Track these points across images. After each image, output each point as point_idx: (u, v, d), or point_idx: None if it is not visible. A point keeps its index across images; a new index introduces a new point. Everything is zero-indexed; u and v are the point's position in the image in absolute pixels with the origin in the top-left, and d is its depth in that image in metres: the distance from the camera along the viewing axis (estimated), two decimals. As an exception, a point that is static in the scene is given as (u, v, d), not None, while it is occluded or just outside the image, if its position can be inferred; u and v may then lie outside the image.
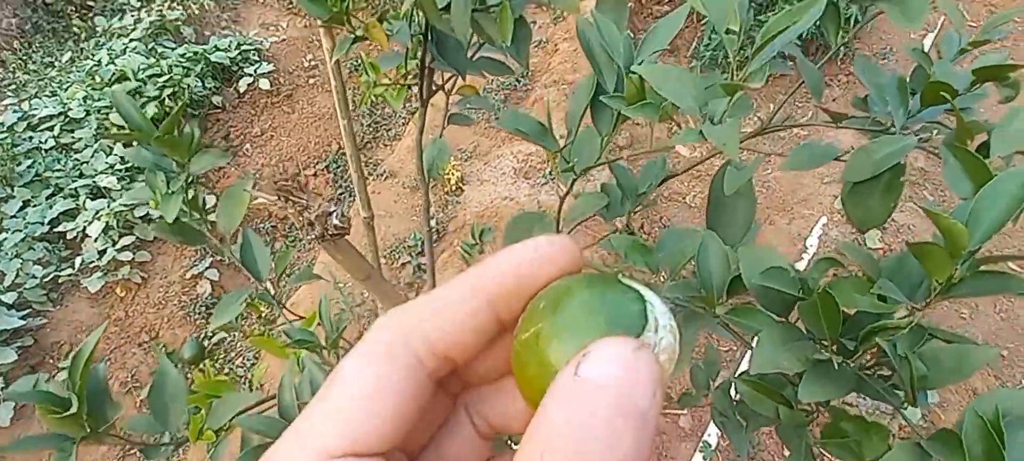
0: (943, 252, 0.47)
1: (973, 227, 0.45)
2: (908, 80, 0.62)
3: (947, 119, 0.65)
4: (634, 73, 0.46)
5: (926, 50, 0.69)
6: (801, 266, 2.30)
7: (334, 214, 0.86)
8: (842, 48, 3.11)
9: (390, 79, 1.12)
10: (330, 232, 0.87)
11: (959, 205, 0.49)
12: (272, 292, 0.93)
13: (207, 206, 2.90)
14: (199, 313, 2.55)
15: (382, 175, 3.04)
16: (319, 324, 0.86)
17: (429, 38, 1.00)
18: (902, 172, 0.58)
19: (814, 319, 0.50)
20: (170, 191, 0.85)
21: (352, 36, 0.90)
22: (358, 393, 0.18)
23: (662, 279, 0.65)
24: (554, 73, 3.24)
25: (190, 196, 0.86)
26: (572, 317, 0.18)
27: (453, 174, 2.85)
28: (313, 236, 0.88)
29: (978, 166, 0.52)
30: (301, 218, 0.89)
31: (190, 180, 0.88)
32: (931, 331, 0.51)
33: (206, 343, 2.41)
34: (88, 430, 0.54)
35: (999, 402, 0.44)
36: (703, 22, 3.28)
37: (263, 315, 0.79)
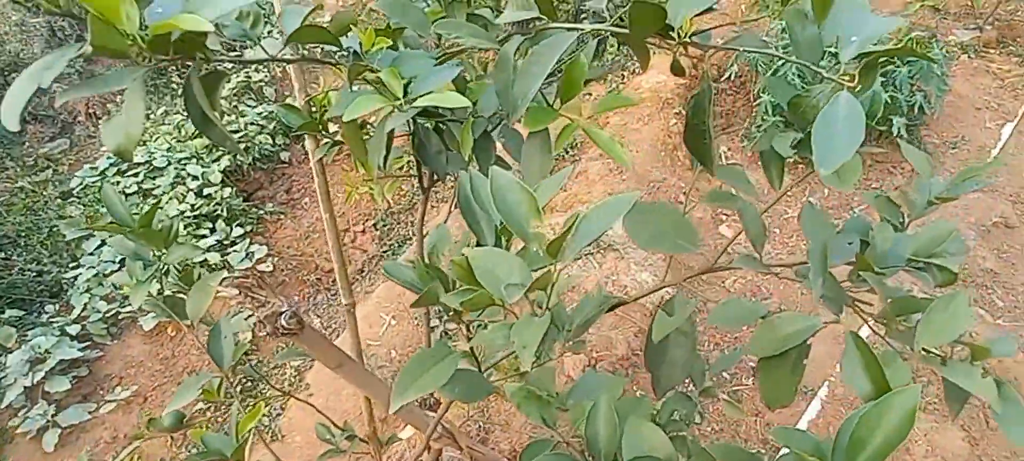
0: None
1: (853, 454, 0.40)
2: (826, 248, 0.57)
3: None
4: (462, 256, 0.44)
5: (1004, 139, 0.63)
6: (802, 425, 2.11)
7: (284, 314, 0.88)
8: (906, 135, 2.92)
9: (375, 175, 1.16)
10: (280, 331, 0.89)
11: (845, 421, 0.44)
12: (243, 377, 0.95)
13: (256, 256, 3.07)
14: (248, 375, 2.66)
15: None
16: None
17: (413, 139, 1.03)
18: (806, 352, 0.53)
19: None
20: (142, 280, 0.90)
21: (330, 142, 0.94)
22: None
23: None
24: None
25: (162, 284, 0.91)
26: None
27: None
28: (266, 332, 0.91)
29: (875, 370, 0.47)
30: (258, 314, 0.92)
31: (165, 270, 0.93)
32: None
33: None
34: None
35: None
36: (757, 102, 3.19)
37: (219, 401, 0.82)
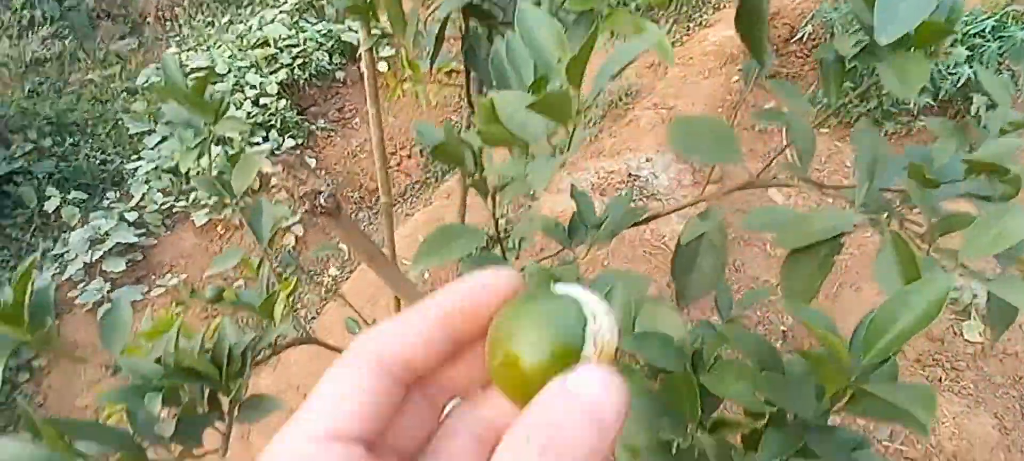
0: (831, 365, 0.41)
1: (871, 339, 0.39)
2: (876, 158, 0.54)
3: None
4: (488, 98, 0.44)
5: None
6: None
7: (323, 194, 0.90)
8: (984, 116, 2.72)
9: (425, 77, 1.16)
10: (318, 209, 0.92)
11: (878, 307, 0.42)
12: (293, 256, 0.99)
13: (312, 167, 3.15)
14: (280, 261, 2.77)
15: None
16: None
17: (463, 43, 1.02)
18: (838, 249, 0.51)
19: (671, 396, 0.46)
20: (190, 147, 0.94)
21: (379, 32, 0.94)
22: (336, 391, 0.23)
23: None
24: (657, 96, 3.14)
25: (208, 154, 0.94)
26: (529, 337, 0.22)
27: (534, 180, 2.87)
28: (303, 210, 0.94)
29: (911, 266, 0.45)
30: (297, 192, 0.94)
31: (213, 139, 0.96)
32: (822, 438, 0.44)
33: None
34: (29, 337, 0.62)
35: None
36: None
37: (257, 273, 0.86)
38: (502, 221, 2.74)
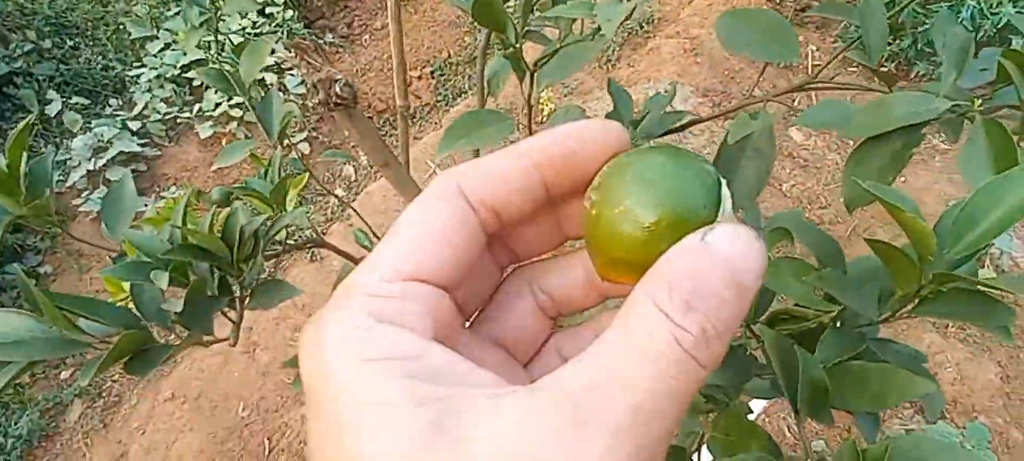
0: (907, 259, 0.36)
1: (960, 230, 0.34)
2: (967, 44, 0.48)
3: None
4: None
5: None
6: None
7: (339, 82, 0.84)
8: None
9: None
10: (334, 100, 0.86)
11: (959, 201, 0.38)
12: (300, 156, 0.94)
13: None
14: (289, 172, 2.72)
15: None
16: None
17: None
18: (918, 141, 0.45)
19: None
20: (195, 25, 0.87)
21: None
22: (420, 231, 0.21)
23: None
24: (680, 24, 3.01)
25: (215, 36, 0.88)
26: (657, 192, 0.19)
27: (547, 105, 2.78)
28: (317, 100, 0.88)
29: (1008, 151, 0.40)
30: (311, 80, 0.88)
31: (219, 16, 0.90)
32: (874, 342, 0.40)
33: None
34: (25, 209, 0.58)
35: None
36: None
37: (265, 168, 0.81)
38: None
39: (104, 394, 2.28)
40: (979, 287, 0.32)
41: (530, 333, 0.25)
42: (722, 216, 0.20)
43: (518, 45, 0.48)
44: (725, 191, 0.20)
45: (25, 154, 0.60)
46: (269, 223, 0.60)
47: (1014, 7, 2.49)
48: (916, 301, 0.39)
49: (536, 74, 0.56)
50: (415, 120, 3.14)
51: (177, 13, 3.19)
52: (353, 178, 2.89)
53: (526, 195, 0.22)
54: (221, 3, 0.85)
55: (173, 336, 0.57)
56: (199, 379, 2.22)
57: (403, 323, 0.19)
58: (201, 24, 0.87)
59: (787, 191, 2.47)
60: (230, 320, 0.61)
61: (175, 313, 0.52)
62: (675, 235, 0.19)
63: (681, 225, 0.19)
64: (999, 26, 2.53)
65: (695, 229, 0.19)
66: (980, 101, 0.44)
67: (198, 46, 2.51)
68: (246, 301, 0.57)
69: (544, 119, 2.77)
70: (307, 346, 0.20)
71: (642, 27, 3.15)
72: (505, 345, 0.25)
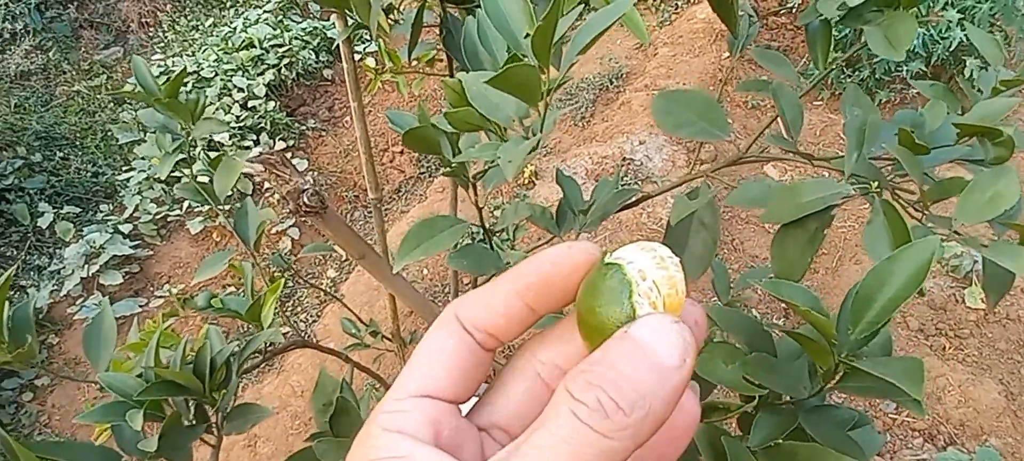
0: (818, 345, 0.40)
1: (859, 312, 0.37)
2: (866, 124, 0.52)
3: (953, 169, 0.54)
4: (456, 80, 0.42)
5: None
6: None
7: (306, 192, 0.89)
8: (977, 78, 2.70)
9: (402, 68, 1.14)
10: (303, 208, 0.90)
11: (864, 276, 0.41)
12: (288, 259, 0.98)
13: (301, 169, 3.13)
14: (272, 263, 2.75)
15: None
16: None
17: (441, 30, 0.99)
18: (829, 222, 0.49)
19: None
20: (168, 151, 0.92)
21: (355, 22, 0.92)
22: (428, 356, 0.25)
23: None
24: (647, 76, 3.12)
25: (189, 157, 0.93)
26: (593, 310, 0.23)
27: (528, 167, 2.84)
28: (288, 210, 0.92)
29: (902, 233, 0.43)
30: (281, 191, 0.92)
31: (191, 143, 0.94)
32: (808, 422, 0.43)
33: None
34: (9, 355, 0.60)
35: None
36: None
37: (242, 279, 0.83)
38: (496, 212, 2.71)
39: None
40: (877, 377, 0.35)
41: (531, 409, 0.28)
42: (641, 311, 0.23)
43: (454, 164, 0.51)
44: (638, 292, 0.23)
45: (7, 303, 0.63)
46: (243, 344, 0.63)
47: (961, 30, 2.60)
48: (839, 375, 0.42)
49: (480, 181, 0.60)
50: (400, 194, 3.20)
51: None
52: (344, 258, 2.92)
53: (511, 319, 0.26)
54: (191, 128, 0.90)
55: (153, 468, 0.59)
56: (200, 479, 2.19)
57: (402, 430, 0.23)
58: (174, 149, 0.91)
59: (749, 250, 2.50)
60: (209, 445, 0.62)
61: (152, 451, 0.54)
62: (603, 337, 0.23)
63: (603, 329, 0.23)
64: (950, 49, 2.63)
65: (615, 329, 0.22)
66: (876, 183, 0.47)
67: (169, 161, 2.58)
68: (222, 426, 0.59)
69: (526, 181, 2.83)
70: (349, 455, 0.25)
71: (612, 82, 3.26)
72: (514, 421, 0.28)
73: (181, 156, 0.95)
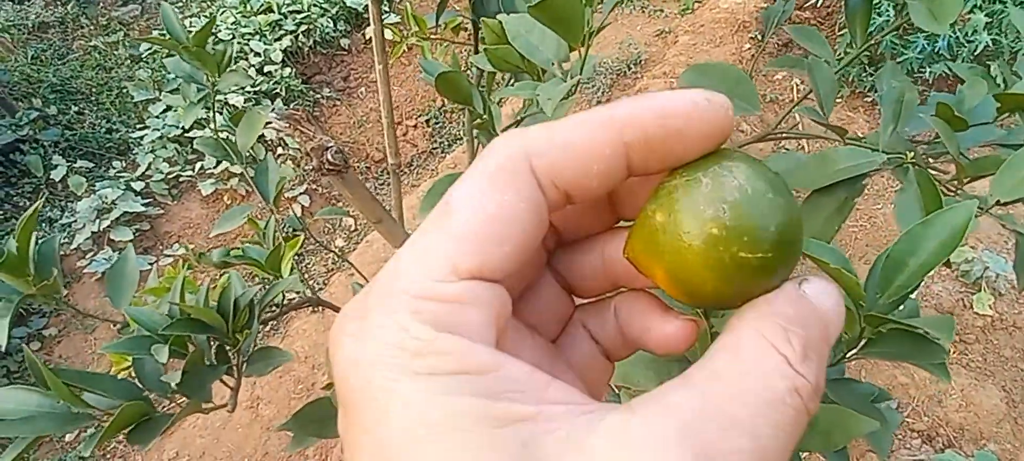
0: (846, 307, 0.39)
1: (889, 276, 0.37)
2: (904, 98, 0.52)
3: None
4: (495, 21, 0.42)
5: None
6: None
7: (330, 150, 0.89)
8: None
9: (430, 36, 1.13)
10: (326, 166, 0.90)
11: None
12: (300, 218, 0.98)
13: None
14: (287, 225, 2.76)
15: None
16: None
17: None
18: (859, 191, 0.49)
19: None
20: (193, 102, 0.92)
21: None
22: (479, 217, 0.17)
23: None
24: (667, 64, 3.09)
25: (212, 110, 0.93)
26: (764, 218, 0.17)
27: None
28: (310, 167, 0.92)
29: (935, 203, 0.43)
30: (304, 147, 0.93)
31: (215, 94, 0.95)
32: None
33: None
34: (34, 288, 0.61)
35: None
36: (841, 32, 2.97)
37: (262, 232, 0.84)
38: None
39: (108, 456, 2.27)
40: (907, 327, 0.35)
41: (556, 311, 0.23)
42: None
43: (485, 116, 0.51)
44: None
45: (33, 236, 0.64)
46: (264, 291, 0.63)
47: (987, 34, 2.56)
48: (862, 343, 0.42)
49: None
50: (412, 168, 3.20)
51: (178, 83, 3.29)
52: (353, 227, 2.93)
53: (606, 177, 0.18)
54: (217, 79, 0.90)
55: (173, 405, 0.60)
56: (203, 437, 2.22)
57: (467, 333, 0.16)
58: (199, 100, 0.91)
59: None
60: (228, 387, 0.63)
61: (175, 384, 0.55)
62: (769, 272, 0.18)
63: (778, 261, 0.18)
64: (975, 54, 2.59)
65: (786, 262, 0.18)
66: (913, 153, 0.47)
67: (183, 116, 2.58)
68: (243, 368, 0.60)
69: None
70: (347, 352, 0.17)
71: (630, 68, 3.24)
72: (536, 327, 0.23)
73: (204, 109, 0.96)
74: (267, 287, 0.68)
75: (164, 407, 0.60)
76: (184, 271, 0.61)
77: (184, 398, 0.59)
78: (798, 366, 0.16)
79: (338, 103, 3.42)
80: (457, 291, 0.17)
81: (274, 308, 0.87)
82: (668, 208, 0.18)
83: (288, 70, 3.30)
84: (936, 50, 2.56)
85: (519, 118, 0.53)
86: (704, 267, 0.18)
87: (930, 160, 0.55)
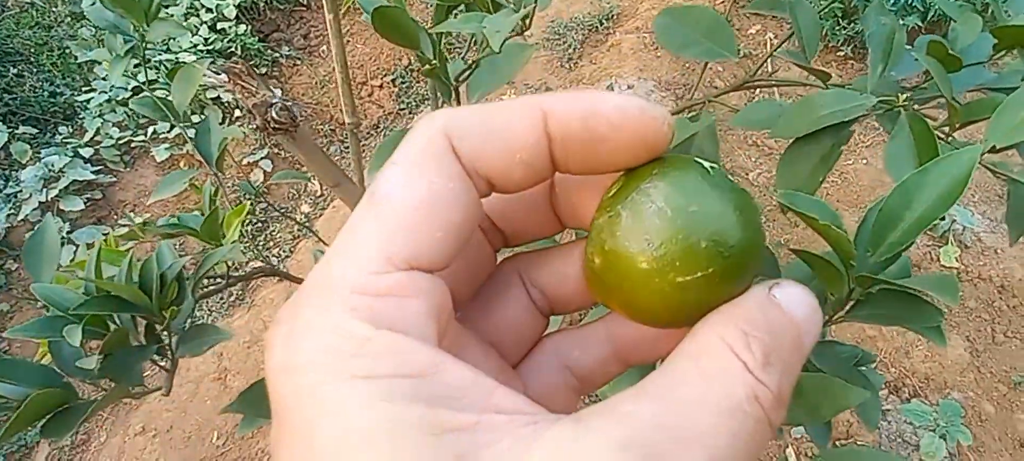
0: (832, 266, 0.35)
1: (880, 232, 0.33)
2: (893, 35, 0.47)
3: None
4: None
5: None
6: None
7: (275, 106, 0.81)
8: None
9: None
10: (271, 124, 0.83)
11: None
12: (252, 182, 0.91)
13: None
14: (247, 196, 2.66)
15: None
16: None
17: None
18: (846, 138, 0.45)
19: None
20: (120, 54, 0.83)
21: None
22: (408, 204, 0.16)
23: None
24: (639, 18, 3.02)
25: (144, 65, 0.84)
26: (708, 228, 0.17)
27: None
28: (254, 125, 0.85)
29: (930, 148, 0.39)
30: (247, 104, 0.85)
31: (145, 46, 0.86)
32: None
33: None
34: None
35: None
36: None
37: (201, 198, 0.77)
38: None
39: (71, 437, 2.20)
40: (903, 288, 0.31)
41: (522, 331, 0.22)
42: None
43: (435, 62, 0.45)
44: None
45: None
46: (194, 265, 0.57)
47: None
48: (850, 305, 0.38)
49: (465, 88, 0.54)
50: (378, 130, 3.10)
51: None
52: (318, 193, 2.84)
53: (530, 169, 0.18)
54: (145, 30, 0.81)
55: (100, 391, 0.54)
56: (170, 411, 2.16)
57: (405, 329, 0.15)
58: (126, 53, 0.83)
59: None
60: (163, 368, 0.57)
61: (96, 369, 0.49)
62: (722, 281, 0.17)
63: (725, 270, 0.17)
64: (927, 20, 2.57)
65: (744, 272, 0.17)
66: (905, 96, 0.43)
67: (126, 73, 2.44)
68: (176, 348, 0.54)
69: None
70: (277, 358, 0.15)
71: (602, 23, 3.15)
72: (494, 343, 0.21)
73: (135, 62, 0.87)
74: (205, 256, 0.62)
75: (88, 394, 0.54)
76: (100, 243, 0.54)
77: (112, 383, 0.53)
78: (758, 372, 0.16)
79: (299, 62, 3.27)
80: (394, 283, 0.16)
81: (218, 280, 0.80)
82: (601, 250, 0.18)
83: (243, 27, 3.13)
84: (909, 3, 2.54)
85: (469, 68, 0.47)
86: (651, 298, 0.17)
87: (916, 107, 0.51)
